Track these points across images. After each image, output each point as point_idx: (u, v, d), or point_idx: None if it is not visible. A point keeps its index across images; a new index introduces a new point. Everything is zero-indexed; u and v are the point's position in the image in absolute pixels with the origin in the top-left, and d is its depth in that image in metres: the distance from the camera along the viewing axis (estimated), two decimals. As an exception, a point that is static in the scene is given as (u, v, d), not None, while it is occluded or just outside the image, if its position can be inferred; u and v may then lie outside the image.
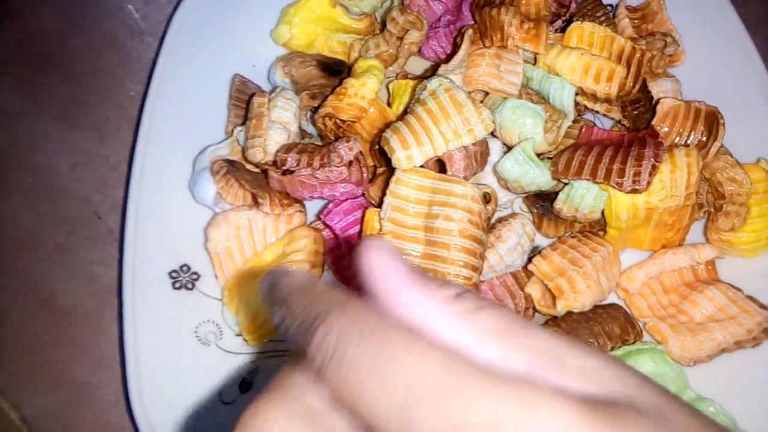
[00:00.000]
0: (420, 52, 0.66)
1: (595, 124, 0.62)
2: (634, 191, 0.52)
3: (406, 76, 0.65)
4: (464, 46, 0.57)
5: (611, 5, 0.68)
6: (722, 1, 0.66)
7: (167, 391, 0.54)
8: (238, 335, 0.57)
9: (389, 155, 0.51)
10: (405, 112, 0.56)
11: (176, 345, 0.55)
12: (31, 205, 0.67)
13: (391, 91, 0.63)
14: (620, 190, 0.52)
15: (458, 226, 0.49)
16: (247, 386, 0.55)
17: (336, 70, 0.64)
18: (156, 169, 0.61)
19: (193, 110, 0.64)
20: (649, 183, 0.52)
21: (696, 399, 0.52)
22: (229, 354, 0.56)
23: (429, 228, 0.50)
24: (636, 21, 0.66)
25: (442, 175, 0.51)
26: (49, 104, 0.72)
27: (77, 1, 0.77)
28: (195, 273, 0.59)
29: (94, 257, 0.65)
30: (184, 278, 0.58)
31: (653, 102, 0.60)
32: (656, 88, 0.62)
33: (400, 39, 0.63)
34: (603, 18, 0.64)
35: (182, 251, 0.59)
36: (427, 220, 0.50)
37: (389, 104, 0.63)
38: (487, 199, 0.54)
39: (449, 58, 0.59)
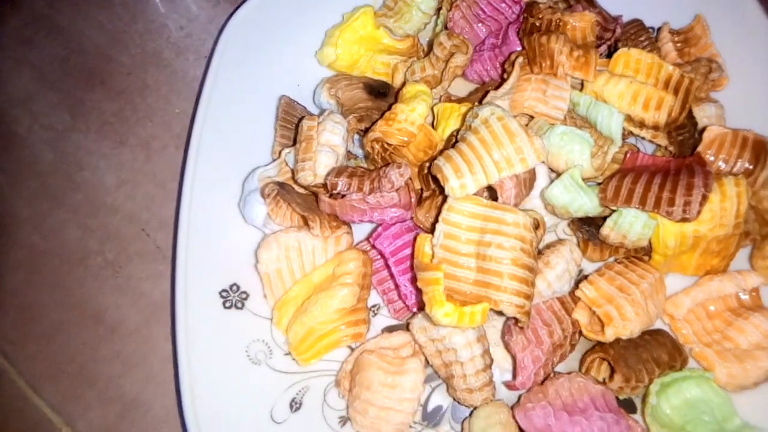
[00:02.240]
0: (464, 74, 0.67)
1: (638, 149, 0.62)
2: (684, 220, 0.53)
3: (449, 99, 0.66)
4: (515, 73, 0.58)
5: (653, 28, 0.68)
6: (765, 26, 0.66)
7: (219, 408, 0.55)
8: (287, 355, 0.58)
9: (442, 184, 0.52)
10: (455, 138, 0.56)
11: (228, 363, 0.57)
12: (80, 222, 0.69)
13: (436, 114, 0.64)
14: (670, 219, 0.53)
15: (510, 255, 0.50)
16: (297, 406, 0.56)
17: (382, 93, 0.64)
18: (206, 189, 0.62)
19: (240, 130, 0.65)
20: (699, 212, 0.52)
21: (742, 426, 0.52)
22: (279, 373, 0.57)
23: (481, 255, 0.51)
24: (679, 44, 0.66)
25: (494, 203, 0.52)
26: (95, 121, 0.74)
27: (121, 18, 0.79)
28: (244, 292, 0.60)
29: (142, 274, 0.66)
30: (234, 297, 0.59)
31: (698, 127, 0.61)
32: (699, 113, 0.62)
33: (446, 62, 0.64)
34: (646, 42, 0.64)
35: (232, 271, 0.60)
36: (479, 248, 0.51)
37: (434, 126, 0.64)
38: (536, 225, 0.54)
39: (498, 84, 0.60)
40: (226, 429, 0.54)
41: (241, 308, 0.59)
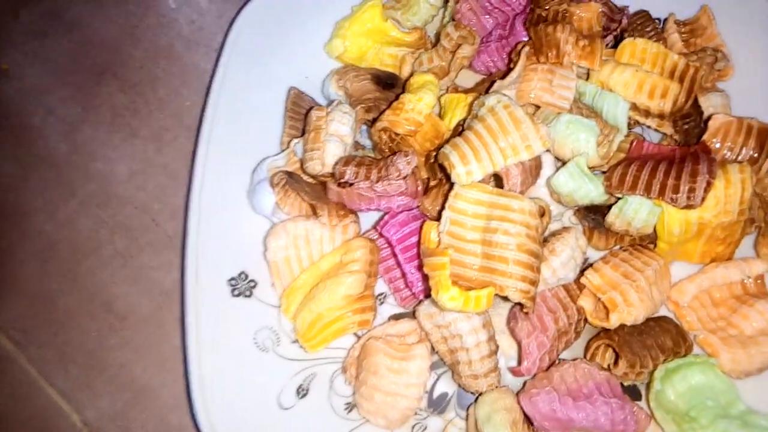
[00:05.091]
0: (470, 65, 0.67)
1: (644, 138, 0.62)
2: (688, 207, 0.53)
3: (456, 89, 0.67)
4: (521, 63, 0.58)
5: (659, 19, 0.68)
6: (772, 16, 0.66)
7: (227, 395, 0.55)
8: (294, 342, 0.59)
9: (449, 171, 0.52)
10: (461, 127, 0.57)
11: (236, 350, 0.57)
12: (91, 212, 0.70)
13: (443, 105, 0.64)
14: (675, 206, 0.53)
15: (516, 241, 0.50)
16: (304, 392, 0.57)
17: (389, 84, 0.65)
18: (215, 179, 0.63)
19: (250, 121, 0.66)
20: (703, 199, 0.52)
21: (747, 412, 0.53)
22: (287, 360, 0.58)
23: (487, 242, 0.51)
24: (685, 35, 0.66)
25: (500, 190, 0.52)
26: (107, 113, 0.75)
27: (133, 12, 0.80)
28: (252, 281, 0.60)
29: (153, 263, 0.67)
30: (242, 285, 0.60)
31: (703, 116, 0.61)
32: (705, 103, 0.62)
33: (453, 53, 0.65)
34: (652, 32, 0.65)
35: (240, 259, 0.61)
36: (485, 234, 0.51)
37: (441, 117, 0.64)
38: (541, 212, 0.55)
39: (504, 74, 0.61)
40: (235, 415, 0.55)
41: (250, 296, 0.60)
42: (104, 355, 0.64)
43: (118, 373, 0.64)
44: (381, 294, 0.62)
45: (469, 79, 0.69)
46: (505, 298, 0.50)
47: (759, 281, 0.58)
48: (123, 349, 0.65)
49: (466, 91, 0.66)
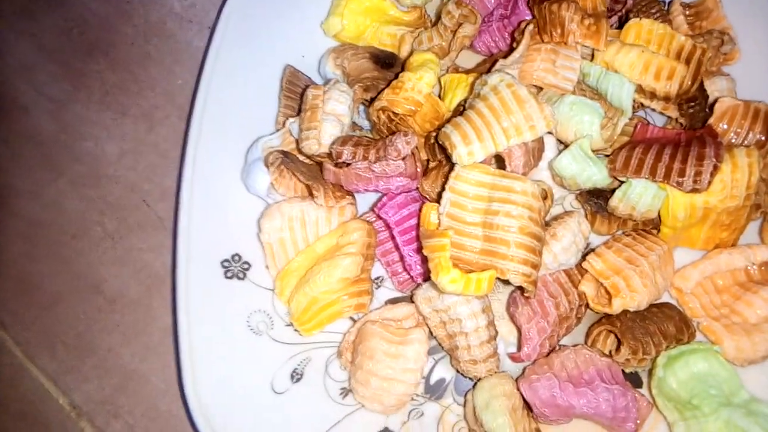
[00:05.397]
0: (472, 45, 0.66)
1: (648, 121, 0.61)
2: (694, 191, 0.52)
3: (457, 70, 0.65)
4: (524, 42, 0.57)
5: (664, 1, 0.67)
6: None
7: (220, 379, 0.54)
8: (288, 325, 0.57)
9: (450, 151, 0.51)
10: (462, 107, 0.55)
11: (228, 334, 0.56)
12: (80, 192, 0.68)
13: (443, 85, 0.63)
14: (680, 190, 0.52)
15: (518, 223, 0.49)
16: (298, 377, 0.55)
17: (388, 63, 0.63)
18: (208, 158, 0.61)
19: (244, 100, 0.64)
20: (710, 183, 0.51)
21: (750, 400, 0.52)
22: (281, 344, 0.56)
23: (488, 224, 0.50)
24: (690, 18, 0.65)
25: (502, 171, 0.51)
26: (97, 92, 0.73)
27: (124, -12, 0.78)
28: (246, 263, 0.59)
29: (143, 245, 0.65)
30: (235, 267, 0.58)
31: (709, 100, 0.60)
32: (711, 87, 0.61)
33: (453, 32, 0.63)
34: (657, 14, 0.63)
35: (234, 241, 0.59)
36: (486, 217, 0.50)
37: (441, 98, 0.63)
38: (544, 195, 0.54)
39: (507, 53, 0.59)
40: (227, 399, 0.53)
41: (243, 278, 0.58)
42: (92, 339, 0.63)
43: (107, 356, 0.62)
44: (378, 277, 0.60)
45: (470, 59, 0.68)
46: (506, 282, 0.49)
47: (763, 268, 0.57)
48: (112, 332, 0.63)
49: (468, 72, 0.64)
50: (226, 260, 0.58)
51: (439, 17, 0.64)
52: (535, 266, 0.49)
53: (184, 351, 0.54)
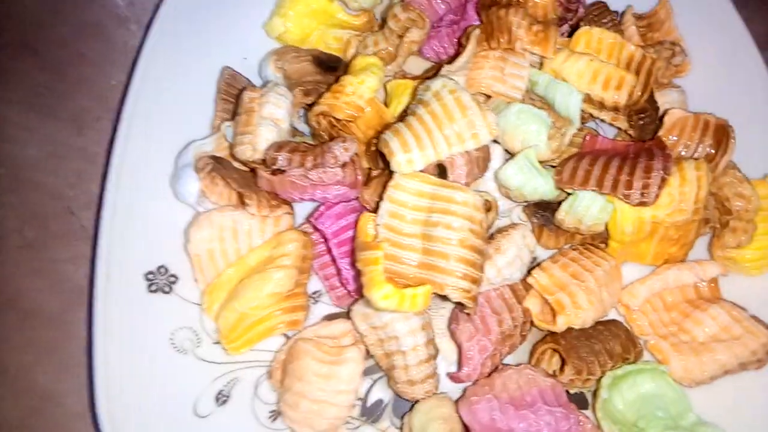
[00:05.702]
0: (420, 51, 0.64)
1: (598, 133, 0.59)
2: (641, 204, 0.50)
3: (404, 76, 0.63)
4: (470, 47, 0.55)
5: (617, 12, 0.66)
6: (730, 13, 0.64)
7: (137, 402, 0.50)
8: (216, 343, 0.53)
9: (388, 158, 0.48)
10: (405, 113, 0.53)
11: (150, 352, 0.52)
12: (-1, 198, 0.63)
13: (388, 91, 0.60)
14: (627, 203, 0.50)
15: (458, 236, 0.46)
16: (224, 399, 0.51)
17: (332, 67, 0.61)
18: (136, 163, 0.57)
19: (178, 102, 0.61)
20: (657, 196, 0.50)
21: (698, 423, 0.50)
22: (207, 363, 0.52)
23: (427, 236, 0.47)
24: (642, 29, 0.64)
25: (443, 180, 0.48)
26: (23, 92, 0.68)
27: (59, -16, 0.74)
28: (173, 275, 0.55)
29: (64, 255, 0.61)
30: (160, 280, 0.54)
31: (659, 112, 0.58)
32: (662, 99, 0.60)
33: (401, 37, 0.61)
34: (610, 24, 0.62)
35: (160, 252, 0.55)
36: (426, 228, 0.47)
37: (386, 104, 0.60)
38: (487, 207, 0.51)
39: (452, 58, 0.57)
40: (143, 424, 0.49)
41: (169, 292, 0.54)
42: (4, 357, 0.57)
43: (19, 375, 0.57)
44: (316, 292, 0.57)
45: (419, 66, 0.65)
46: (445, 298, 0.46)
47: (713, 285, 0.55)
48: (27, 350, 0.58)
49: (415, 78, 0.62)
50: (151, 272, 0.54)
51: (385, 21, 0.61)
52: (476, 281, 0.47)
53: (99, 371, 0.50)
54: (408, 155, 0.48)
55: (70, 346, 0.58)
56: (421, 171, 0.49)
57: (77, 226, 0.62)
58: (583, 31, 0.57)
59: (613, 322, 0.53)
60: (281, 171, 0.53)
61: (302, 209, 0.58)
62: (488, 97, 0.58)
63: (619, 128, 0.59)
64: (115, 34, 0.72)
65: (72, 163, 0.64)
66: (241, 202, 0.54)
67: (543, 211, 0.56)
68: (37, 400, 0.56)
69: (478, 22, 0.61)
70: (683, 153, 0.55)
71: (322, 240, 0.56)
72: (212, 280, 0.54)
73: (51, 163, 0.64)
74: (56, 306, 0.59)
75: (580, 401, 0.52)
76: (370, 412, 0.53)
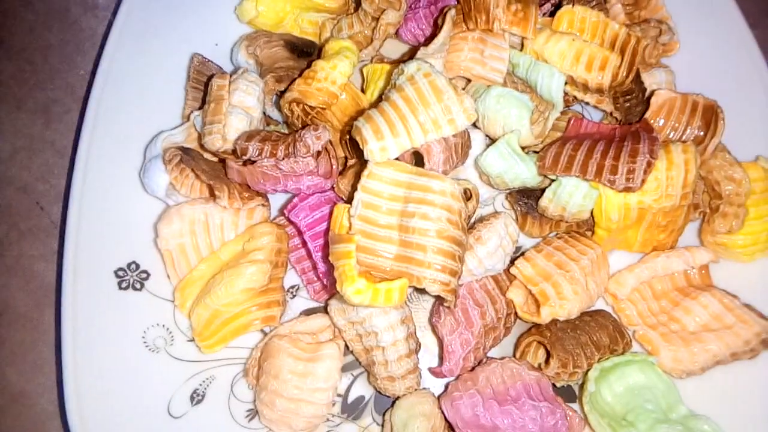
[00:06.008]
0: (397, 34, 0.61)
1: (583, 116, 0.57)
2: (627, 189, 0.48)
3: (381, 60, 0.60)
4: (446, 28, 0.52)
5: (603, -10, 0.63)
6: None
7: (109, 403, 0.48)
8: (190, 341, 0.52)
9: (361, 146, 0.46)
10: (380, 99, 0.51)
11: (121, 351, 0.50)
12: (-34, 194, 0.61)
13: (365, 76, 0.58)
14: (612, 188, 0.48)
15: (436, 226, 0.44)
16: (199, 398, 0.50)
17: (306, 52, 0.58)
18: (104, 155, 0.55)
19: (147, 91, 0.59)
20: (643, 181, 0.47)
21: (688, 415, 0.48)
22: (180, 362, 0.51)
23: (404, 227, 0.45)
24: (629, 7, 0.61)
25: (419, 169, 0.46)
26: (-12, 83, 0.66)
27: (24, -30, 0.71)
28: (144, 272, 0.53)
29: (34, 252, 0.59)
30: (131, 277, 0.52)
31: (646, 94, 0.56)
32: (649, 80, 0.58)
33: (376, 20, 0.58)
34: (594, 2, 0.60)
35: (130, 247, 0.53)
36: (402, 219, 0.45)
37: (363, 90, 0.58)
38: (467, 195, 0.49)
39: (429, 41, 0.54)
40: (115, 425, 0.48)
41: (140, 289, 0.52)
42: (-26, 358, 0.56)
43: (-11, 377, 0.55)
44: (293, 286, 0.55)
45: (396, 49, 0.63)
46: (423, 291, 0.44)
47: (703, 272, 0.53)
48: (-3, 350, 0.56)
49: (393, 62, 0.59)
50: (121, 269, 0.52)
51: (360, 3, 0.59)
52: (455, 273, 0.45)
53: (68, 370, 0.48)
54: (381, 143, 0.46)
55: (42, 345, 0.56)
56: (397, 159, 0.47)
57: (47, 222, 0.60)
58: (566, 10, 0.55)
59: (601, 312, 0.52)
60: (252, 161, 0.51)
61: (278, 200, 0.56)
62: (468, 80, 0.56)
63: (605, 111, 0.57)
64: (82, 21, 0.69)
65: (41, 157, 0.62)
66: (212, 195, 0.52)
67: (527, 199, 0.54)
68: (7, 399, 0.55)
69: (455, 2, 0.58)
70: (671, 135, 0.53)
71: (298, 232, 0.54)
72: (184, 276, 0.52)
73: (19, 157, 0.62)
74: (26, 304, 0.57)
75: (567, 394, 0.51)
76: (351, 409, 0.51)
